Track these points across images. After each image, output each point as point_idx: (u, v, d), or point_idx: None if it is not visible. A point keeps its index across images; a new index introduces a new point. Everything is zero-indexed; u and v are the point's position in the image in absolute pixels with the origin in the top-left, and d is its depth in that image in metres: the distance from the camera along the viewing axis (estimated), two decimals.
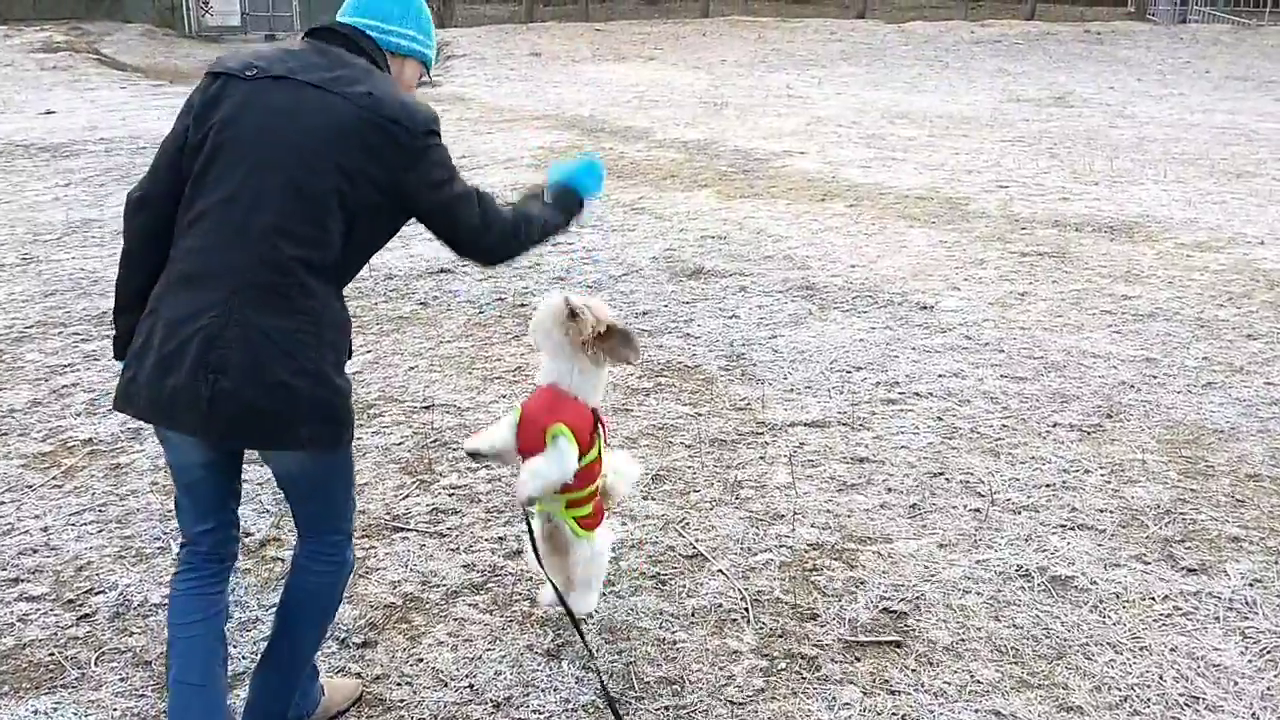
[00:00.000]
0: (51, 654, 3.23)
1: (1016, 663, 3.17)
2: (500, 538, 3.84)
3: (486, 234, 2.70)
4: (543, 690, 3.04)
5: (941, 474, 4.32)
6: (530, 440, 2.93)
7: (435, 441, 4.65)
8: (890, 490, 4.19)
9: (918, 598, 3.48)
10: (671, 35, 24.05)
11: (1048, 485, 4.24)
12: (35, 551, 3.79)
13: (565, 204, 2.99)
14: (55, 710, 2.95)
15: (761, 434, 4.69)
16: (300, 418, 2.47)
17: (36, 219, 8.65)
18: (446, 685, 3.06)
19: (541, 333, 3.01)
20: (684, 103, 15.31)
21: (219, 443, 2.55)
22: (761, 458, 4.46)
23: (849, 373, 5.36)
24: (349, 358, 2.63)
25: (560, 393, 2.99)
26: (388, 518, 4.01)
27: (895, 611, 3.42)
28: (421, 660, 3.17)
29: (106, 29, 26.30)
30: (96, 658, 3.22)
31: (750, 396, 5.08)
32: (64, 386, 5.27)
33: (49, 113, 14.41)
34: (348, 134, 2.48)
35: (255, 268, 2.43)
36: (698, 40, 23.41)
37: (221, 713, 2.62)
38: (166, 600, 3.41)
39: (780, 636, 3.29)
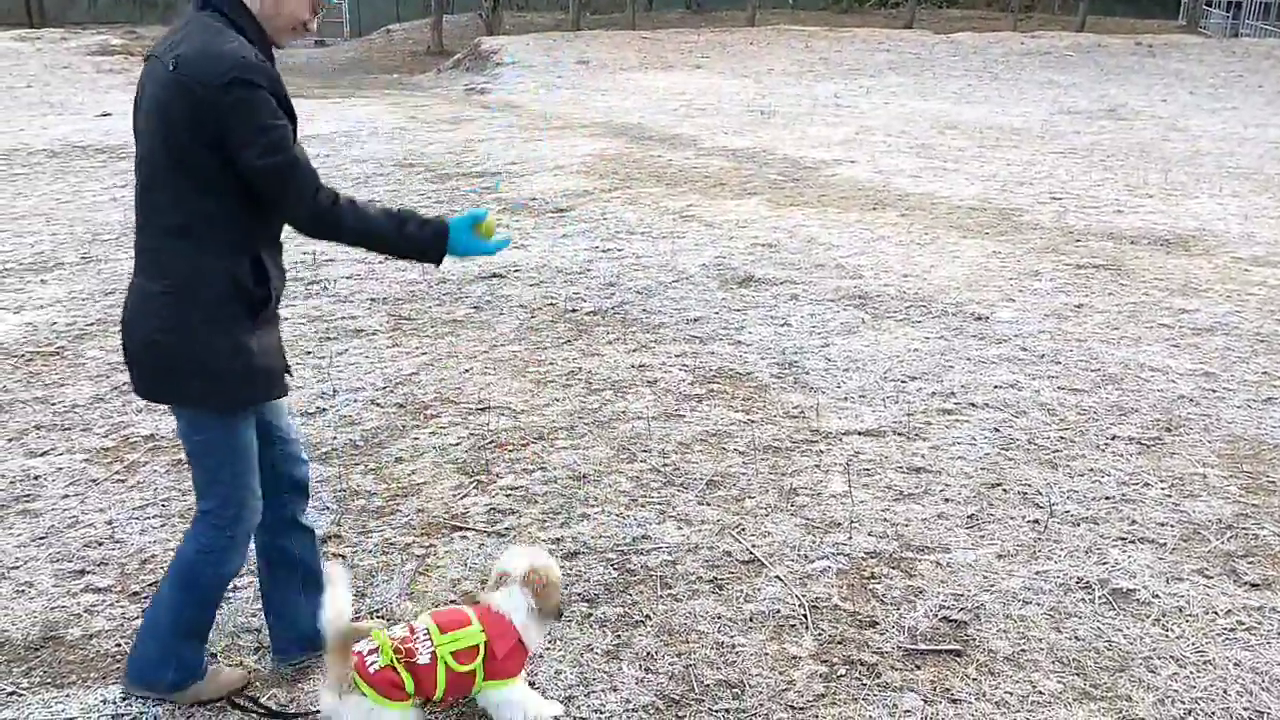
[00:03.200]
0: (118, 645, 3.28)
1: (1079, 674, 3.15)
2: (558, 539, 3.86)
3: (296, 209, 2.65)
4: (603, 690, 3.05)
5: (999, 485, 4.30)
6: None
7: (491, 443, 4.68)
8: (948, 500, 4.17)
9: (977, 607, 3.46)
10: (718, 44, 24.09)
11: (1107, 498, 4.20)
12: (100, 544, 3.85)
13: (419, 237, 2.77)
14: (123, 700, 2.99)
15: (816, 442, 4.68)
16: (170, 372, 2.67)
17: (95, 219, 8.79)
18: None
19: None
20: (731, 111, 15.32)
21: (143, 397, 2.81)
22: (816, 465, 4.45)
23: (903, 382, 5.34)
24: (258, 311, 2.69)
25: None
26: (446, 517, 4.04)
27: (955, 621, 3.40)
28: None
29: (160, 33, 26.68)
30: None
31: (804, 404, 5.07)
32: (125, 383, 5.32)
33: (106, 115, 14.65)
34: (165, 101, 2.55)
35: (140, 235, 2.71)
36: (744, 49, 23.43)
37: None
38: (230, 594, 3.48)
39: (839, 643, 3.28)
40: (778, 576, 3.63)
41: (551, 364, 5.63)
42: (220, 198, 2.59)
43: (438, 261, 2.83)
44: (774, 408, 5.04)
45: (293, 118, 2.65)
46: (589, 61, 21.57)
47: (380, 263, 7.49)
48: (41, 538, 3.88)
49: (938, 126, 13.96)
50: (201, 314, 2.62)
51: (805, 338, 5.96)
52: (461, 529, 3.93)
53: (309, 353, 5.78)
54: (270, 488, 2.95)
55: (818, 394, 5.20)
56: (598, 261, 7.49)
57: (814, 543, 3.85)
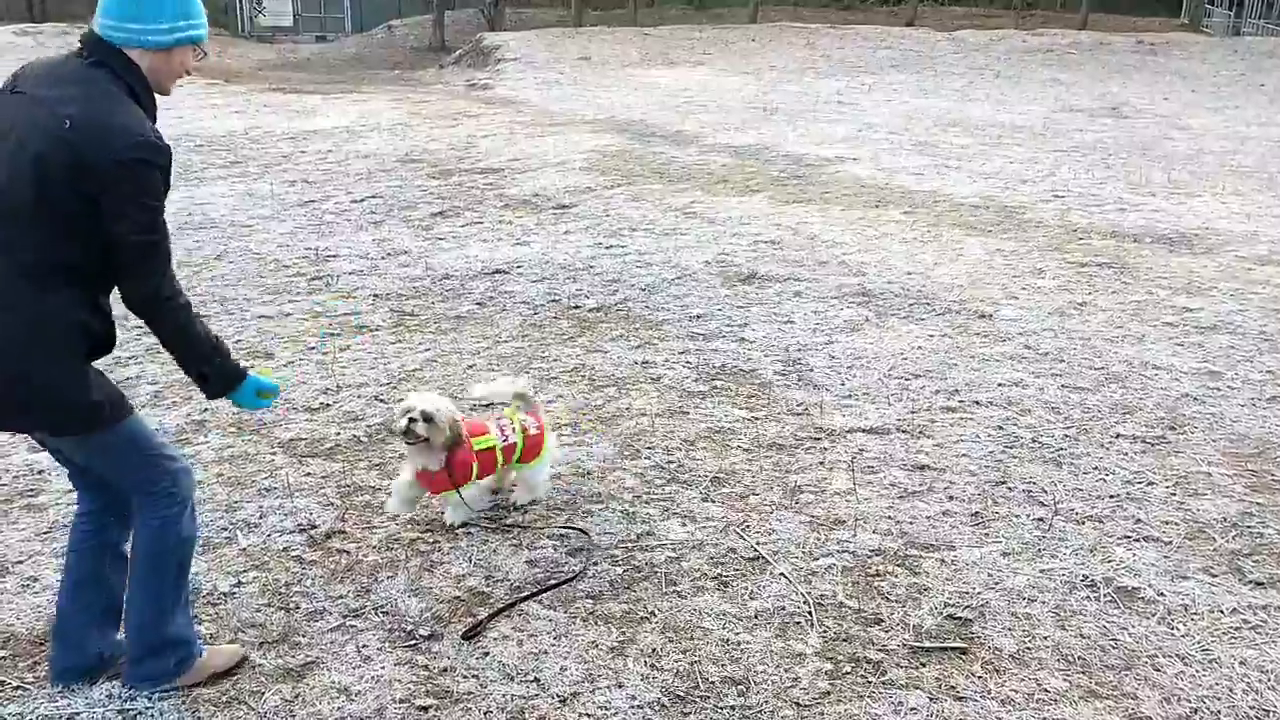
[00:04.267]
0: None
1: (1084, 672, 3.14)
2: (563, 535, 3.86)
3: (142, 285, 2.68)
4: (608, 686, 3.05)
5: (1003, 483, 4.29)
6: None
7: None
8: (952, 498, 4.17)
9: (982, 605, 3.46)
10: (720, 41, 24.07)
11: (1112, 496, 4.20)
12: None
13: (221, 367, 2.88)
14: (128, 695, 2.98)
15: (820, 439, 4.68)
16: (21, 406, 2.68)
17: None
18: (513, 679, 3.08)
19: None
20: (733, 108, 15.31)
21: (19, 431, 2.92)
22: (821, 463, 4.45)
23: (907, 380, 5.34)
24: (99, 351, 2.75)
25: None
26: None
27: (960, 618, 3.40)
28: (488, 654, 3.19)
29: None
30: None
31: (808, 402, 5.07)
32: (128, 378, 5.34)
33: None
34: (47, 153, 2.55)
35: None
36: (746, 46, 23.42)
37: None
38: (234, 590, 3.48)
39: (845, 640, 3.28)
40: (782, 574, 3.63)
41: (555, 360, 5.62)
42: (83, 242, 2.62)
43: (213, 395, 2.93)
44: (778, 405, 5.04)
45: (168, 189, 2.70)
46: (591, 58, 21.56)
47: (383, 258, 7.49)
48: (46, 532, 3.88)
49: (940, 124, 13.96)
50: (44, 350, 2.64)
51: (809, 335, 5.96)
52: (467, 525, 3.92)
53: (312, 348, 5.78)
54: (99, 507, 2.99)
55: (822, 391, 5.19)
56: (601, 258, 7.48)
57: (819, 540, 3.85)
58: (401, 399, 3.98)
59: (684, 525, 3.94)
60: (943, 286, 6.85)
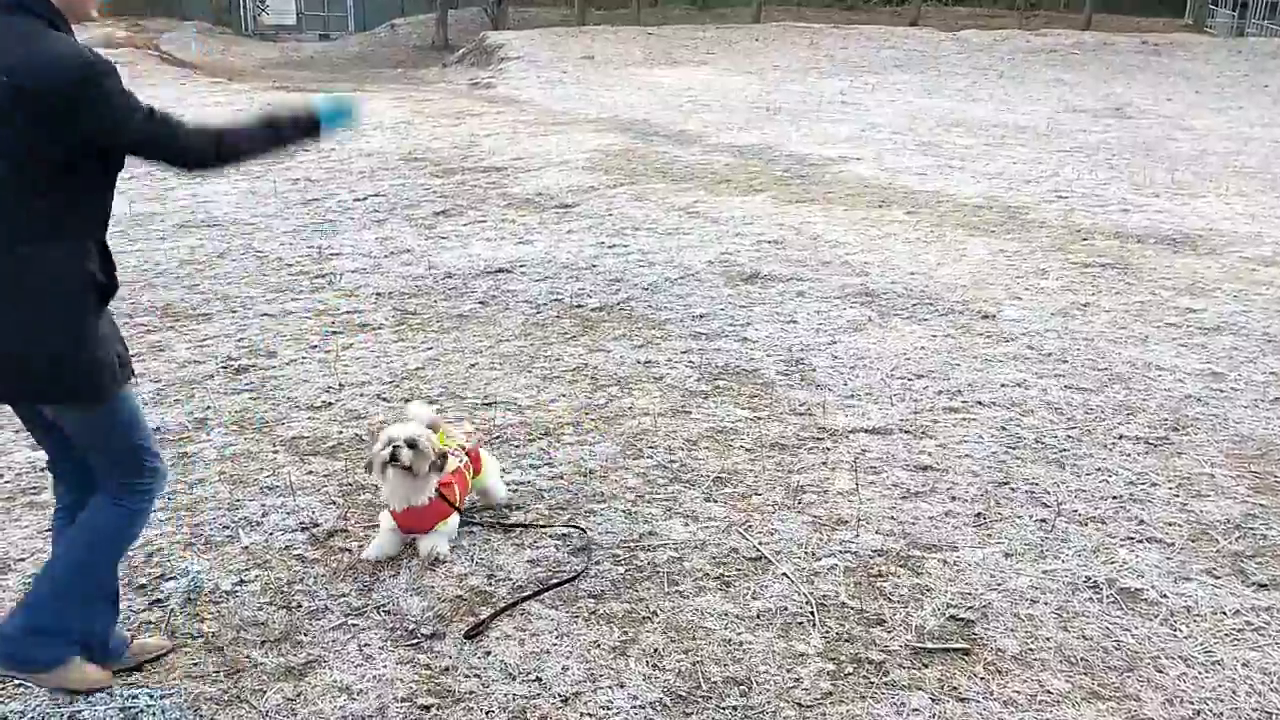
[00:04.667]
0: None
1: (1087, 674, 3.14)
2: (564, 535, 3.85)
3: (186, 154, 2.75)
4: (610, 686, 3.05)
5: (1006, 484, 4.29)
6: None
7: (498, 438, 4.68)
8: (954, 499, 4.17)
9: (985, 606, 3.46)
10: (723, 40, 24.05)
11: (1114, 497, 4.20)
12: None
13: (298, 127, 2.96)
14: (130, 692, 2.99)
15: (822, 439, 4.67)
16: (17, 371, 2.67)
17: None
18: (514, 678, 3.08)
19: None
20: (737, 107, 15.30)
21: (11, 403, 2.87)
22: (823, 463, 4.45)
23: (910, 380, 5.33)
24: (108, 298, 2.76)
25: None
26: None
27: (962, 619, 3.39)
28: (490, 653, 3.19)
29: (165, 26, 26.70)
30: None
31: (810, 402, 5.07)
32: None
33: None
34: (2, 111, 2.53)
35: None
36: (750, 45, 23.40)
37: None
38: (236, 588, 3.48)
39: (847, 641, 3.28)
40: (785, 574, 3.62)
41: (557, 359, 5.62)
42: (67, 191, 2.63)
43: (315, 141, 3.04)
44: (780, 405, 5.03)
45: None
46: (594, 57, 21.55)
47: (385, 257, 7.49)
48: (48, 530, 3.86)
49: (944, 124, 13.94)
50: (62, 311, 2.64)
51: (812, 335, 5.95)
52: (468, 524, 3.91)
53: (315, 346, 5.77)
54: (78, 499, 2.98)
55: (824, 391, 5.19)
56: (603, 257, 7.48)
57: (821, 540, 3.84)
58: (376, 430, 4.00)
59: (686, 525, 3.93)
60: (946, 287, 6.85)
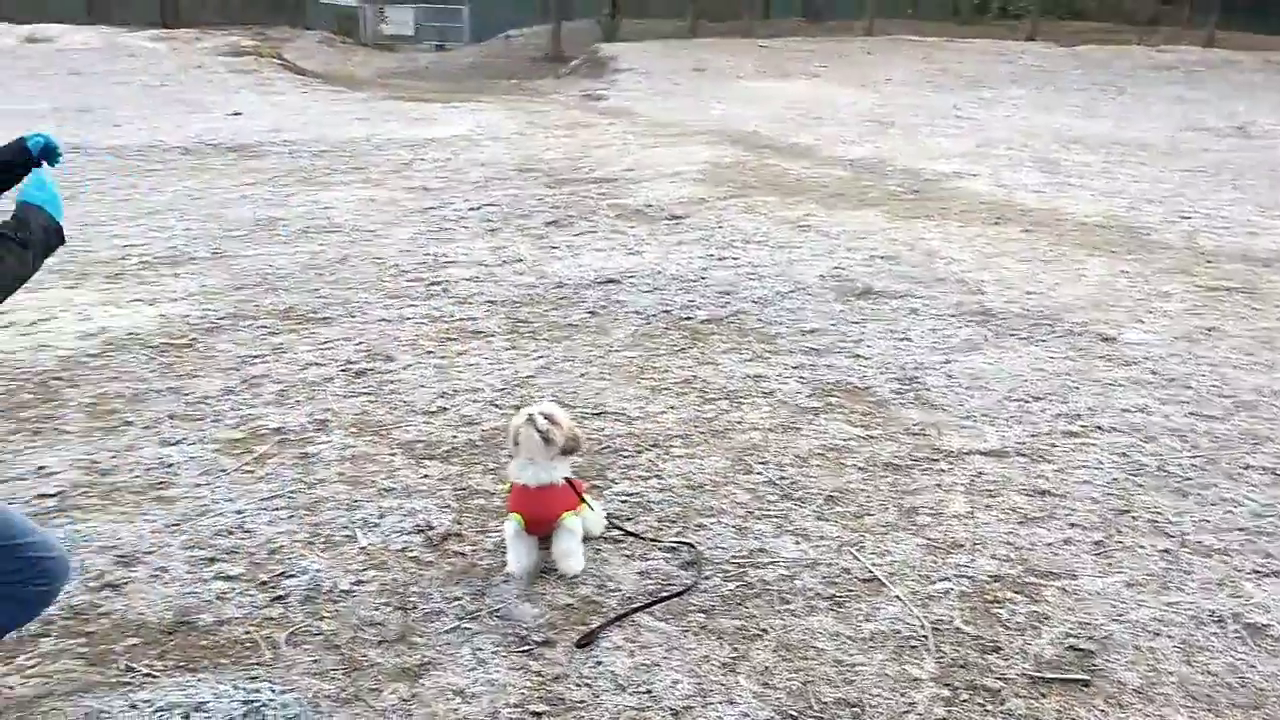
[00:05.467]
0: (248, 632, 3.37)
1: (1211, 710, 3.04)
2: (673, 547, 3.85)
3: None
4: (720, 703, 3.04)
5: (1127, 511, 4.17)
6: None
7: (606, 448, 4.70)
8: (1074, 525, 4.07)
9: (1105, 637, 3.36)
10: (835, 53, 23.89)
11: (1240, 529, 4.05)
12: (231, 533, 3.96)
13: (33, 238, 2.63)
14: (253, 687, 3.07)
15: (937, 460, 4.60)
16: None
17: (225, 215, 9.07)
18: (625, 690, 3.09)
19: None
20: (849, 121, 15.18)
21: None
22: (938, 485, 4.38)
23: (1028, 402, 5.22)
24: None
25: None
26: None
27: (1081, 650, 3.31)
28: (600, 663, 3.20)
29: (288, 35, 27.47)
30: (288, 638, 3.35)
31: (925, 421, 4.99)
32: (254, 376, 5.50)
33: (236, 114, 15.11)
34: None
35: None
36: (862, 58, 23.21)
37: None
38: (354, 587, 3.55)
39: (962, 667, 3.22)
40: (898, 596, 3.57)
41: (666, 371, 5.63)
42: None
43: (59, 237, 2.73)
44: (894, 424, 4.97)
45: None
46: (706, 69, 21.58)
47: (498, 265, 7.59)
48: (175, 524, 4.01)
49: (1061, 140, 13.65)
50: None
51: (926, 353, 5.87)
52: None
53: (430, 352, 5.87)
54: None
55: (939, 411, 5.11)
56: (713, 269, 7.48)
57: (935, 563, 3.78)
58: (513, 413, 3.97)
59: (797, 543, 3.90)
60: (1064, 307, 6.69)
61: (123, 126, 13.79)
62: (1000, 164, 11.81)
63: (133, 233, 8.43)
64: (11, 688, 3.08)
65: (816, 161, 11.89)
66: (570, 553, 3.68)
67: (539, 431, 3.58)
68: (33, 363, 5.66)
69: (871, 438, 4.82)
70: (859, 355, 5.85)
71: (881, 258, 7.81)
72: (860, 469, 4.52)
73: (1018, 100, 17.89)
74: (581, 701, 3.05)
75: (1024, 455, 4.65)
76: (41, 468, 4.47)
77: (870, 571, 3.72)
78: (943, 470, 4.50)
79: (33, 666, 3.18)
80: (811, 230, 8.66)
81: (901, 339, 6.10)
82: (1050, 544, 3.92)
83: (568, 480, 3.70)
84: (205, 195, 9.91)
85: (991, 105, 17.16)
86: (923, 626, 3.40)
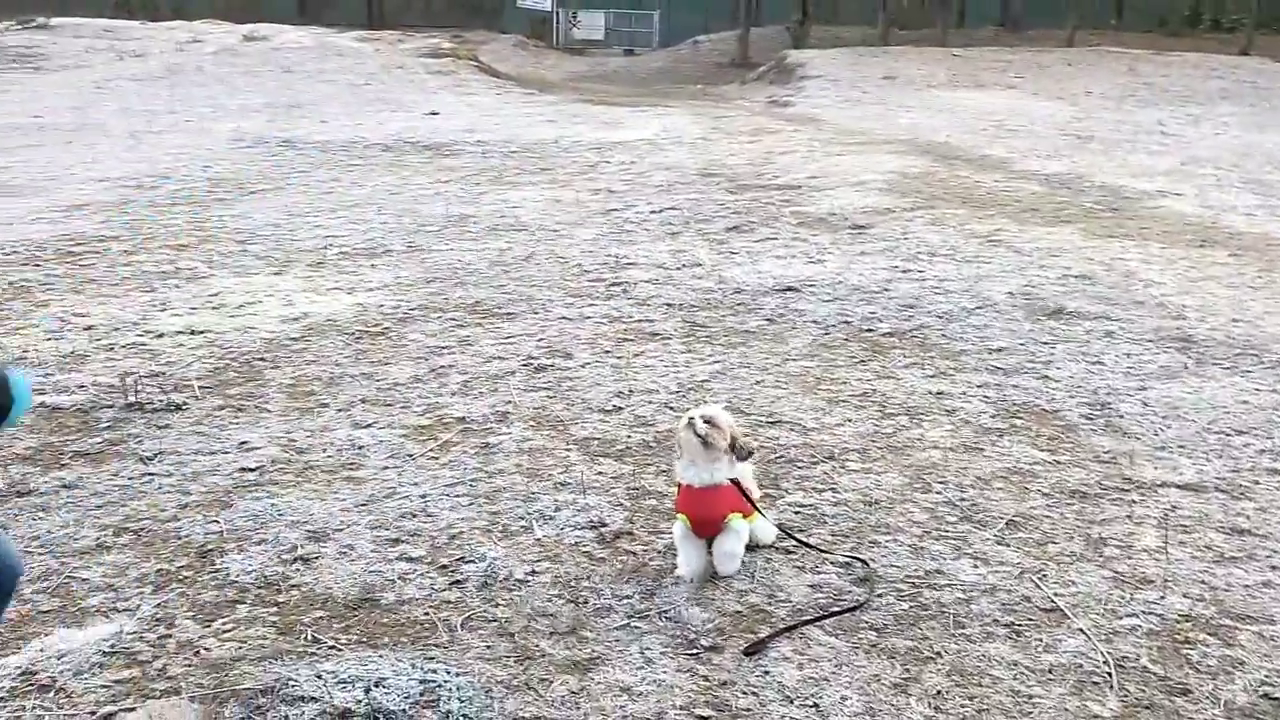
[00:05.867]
0: (427, 614, 3.47)
1: None
2: (846, 562, 3.80)
3: None
4: None
5: None
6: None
7: (780, 458, 4.67)
8: (1274, 568, 3.83)
9: None
10: (1033, 64, 23.17)
11: None
12: (414, 516, 4.10)
13: None
14: (429, 667, 3.16)
15: (1128, 491, 4.40)
16: None
17: (420, 210, 9.41)
18: (791, 701, 3.06)
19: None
20: (1045, 134, 14.71)
21: None
22: (1128, 516, 4.19)
23: (1229, 435, 4.95)
24: None
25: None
26: None
27: (1277, 699, 3.11)
28: (768, 673, 3.18)
29: (484, 38, 28.28)
30: (464, 622, 3.44)
31: (1116, 450, 4.78)
32: (441, 366, 5.68)
33: (433, 114, 15.64)
34: None
35: None
36: (1061, 70, 22.43)
37: None
38: (529, 577, 3.62)
39: (1147, 708, 3.07)
40: (1081, 629, 3.43)
41: (844, 383, 5.56)
42: None
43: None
44: (1082, 450, 4.78)
45: None
46: (896, 77, 21.23)
47: (677, 269, 7.63)
48: (363, 504, 4.17)
49: (1275, 162, 12.90)
50: None
51: (1120, 379, 5.62)
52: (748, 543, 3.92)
53: (608, 352, 5.95)
54: None
55: (1132, 440, 4.89)
56: (897, 282, 7.35)
57: (1123, 598, 3.62)
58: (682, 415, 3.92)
59: (976, 567, 3.79)
60: (1273, 338, 6.31)
61: (329, 123, 14.45)
62: (1207, 184, 11.24)
63: (334, 224, 8.82)
64: (209, 649, 3.26)
65: (1009, 175, 11.55)
66: (730, 554, 3.67)
67: (697, 435, 3.58)
68: (239, 343, 5.98)
69: (1058, 463, 4.65)
70: (1048, 377, 5.65)
71: (1075, 277, 7.53)
72: (1045, 495, 4.36)
73: (1228, 117, 17.00)
74: (748, 709, 3.03)
75: (1223, 491, 4.41)
76: (244, 442, 4.73)
77: (1052, 601, 3.59)
78: (1134, 501, 4.31)
79: (228, 631, 3.36)
80: (1002, 246, 8.41)
81: (1094, 362, 5.86)
82: (1248, 585, 3.71)
83: (735, 483, 3.68)
84: (402, 191, 10.30)
85: (1199, 122, 16.35)
86: (1106, 662, 3.26)
